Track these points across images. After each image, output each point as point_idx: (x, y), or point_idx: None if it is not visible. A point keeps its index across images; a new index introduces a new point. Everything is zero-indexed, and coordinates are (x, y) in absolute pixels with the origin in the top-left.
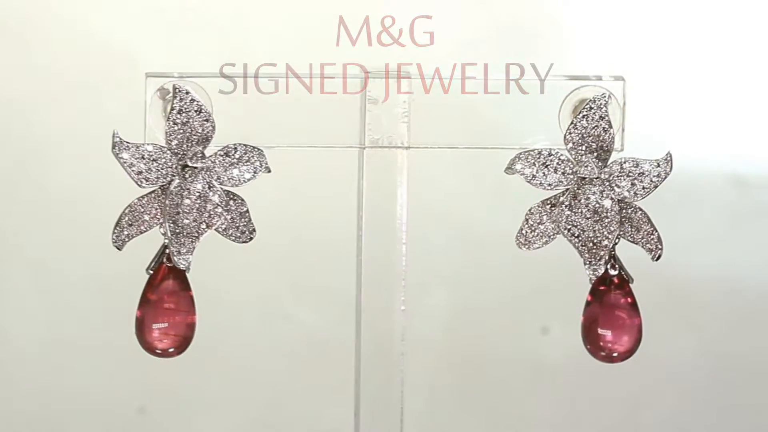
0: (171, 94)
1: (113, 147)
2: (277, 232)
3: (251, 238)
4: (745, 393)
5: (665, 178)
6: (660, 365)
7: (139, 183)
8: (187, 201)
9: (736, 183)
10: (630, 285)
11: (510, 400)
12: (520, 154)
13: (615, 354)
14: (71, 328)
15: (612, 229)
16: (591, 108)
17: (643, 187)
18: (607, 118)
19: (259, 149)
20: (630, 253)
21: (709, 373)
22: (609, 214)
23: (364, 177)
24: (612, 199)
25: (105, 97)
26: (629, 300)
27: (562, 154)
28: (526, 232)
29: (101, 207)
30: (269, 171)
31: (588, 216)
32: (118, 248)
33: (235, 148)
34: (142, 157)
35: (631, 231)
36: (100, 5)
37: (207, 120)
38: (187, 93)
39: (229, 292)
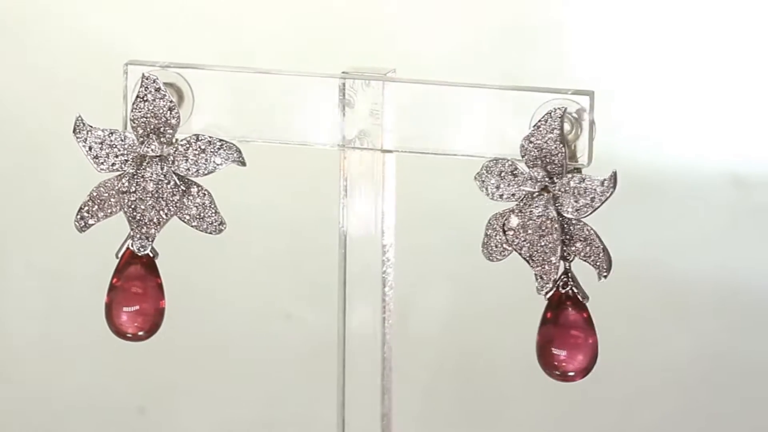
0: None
1: (74, 130)
2: (278, 232)
3: (220, 230)
4: (743, 394)
5: (609, 197)
6: (658, 366)
7: (97, 168)
8: (142, 188)
9: (736, 183)
10: (586, 303)
11: (509, 400)
12: (485, 163)
13: (571, 373)
14: (71, 328)
15: (553, 244)
16: (546, 121)
17: (586, 205)
18: (558, 132)
19: (227, 142)
20: (628, 254)
21: (708, 374)
22: (549, 226)
23: (343, 178)
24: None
25: (105, 97)
26: (584, 317)
27: (515, 166)
28: (487, 243)
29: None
30: (243, 165)
31: (530, 231)
32: (79, 230)
33: (198, 139)
34: (102, 142)
35: (583, 249)
36: (101, 5)
37: (170, 109)
38: (154, 81)
39: (229, 292)
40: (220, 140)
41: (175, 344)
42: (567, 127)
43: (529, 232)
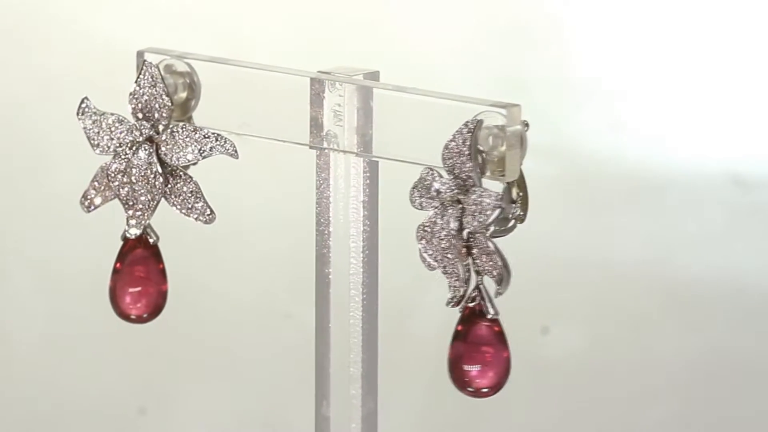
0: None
1: (77, 112)
2: (278, 232)
3: (211, 219)
4: (745, 393)
5: (499, 212)
6: (660, 365)
7: (93, 149)
8: (128, 172)
9: (736, 182)
10: (497, 317)
11: (509, 400)
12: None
13: (484, 390)
14: (71, 328)
15: (454, 257)
16: (461, 132)
17: (482, 219)
18: (468, 144)
19: (216, 133)
20: (629, 254)
21: (709, 373)
22: (451, 241)
23: (317, 178)
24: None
25: (105, 97)
26: (496, 331)
27: (438, 177)
28: (419, 254)
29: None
30: (235, 157)
31: (435, 243)
32: (85, 210)
33: (185, 128)
34: (101, 125)
35: (486, 263)
36: (102, 6)
37: (162, 97)
38: (152, 67)
39: (229, 292)
40: (210, 131)
41: (175, 344)
42: (491, 139)
43: (434, 243)
